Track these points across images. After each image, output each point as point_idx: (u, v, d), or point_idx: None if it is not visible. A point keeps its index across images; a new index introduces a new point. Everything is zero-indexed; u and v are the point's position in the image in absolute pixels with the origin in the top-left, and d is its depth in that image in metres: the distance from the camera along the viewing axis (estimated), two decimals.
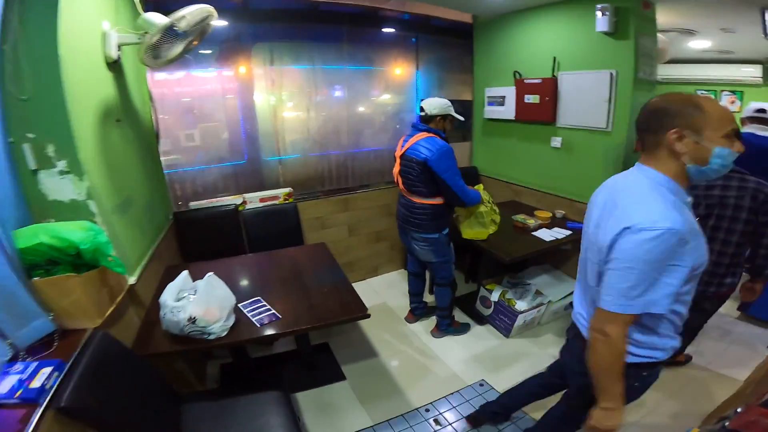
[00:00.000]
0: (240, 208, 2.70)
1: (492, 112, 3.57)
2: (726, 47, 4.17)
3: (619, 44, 2.52)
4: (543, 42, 3.01)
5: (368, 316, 1.75)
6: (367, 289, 3.46)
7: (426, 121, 2.29)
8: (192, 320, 1.48)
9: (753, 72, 4.74)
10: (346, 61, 3.23)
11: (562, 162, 3.03)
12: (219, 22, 2.67)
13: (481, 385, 2.34)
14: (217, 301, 1.58)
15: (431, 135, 2.22)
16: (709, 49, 4.29)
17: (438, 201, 2.29)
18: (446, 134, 2.31)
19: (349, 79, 3.28)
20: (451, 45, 3.74)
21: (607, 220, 1.02)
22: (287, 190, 2.91)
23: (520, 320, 2.66)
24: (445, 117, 2.30)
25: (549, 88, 2.95)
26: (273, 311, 1.76)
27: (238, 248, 2.62)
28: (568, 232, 2.67)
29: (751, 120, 2.62)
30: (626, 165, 2.62)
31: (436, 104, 2.27)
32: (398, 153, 2.35)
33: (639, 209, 0.95)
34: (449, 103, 2.30)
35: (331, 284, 2.02)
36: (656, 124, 0.97)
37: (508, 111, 3.37)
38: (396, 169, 2.37)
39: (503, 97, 3.43)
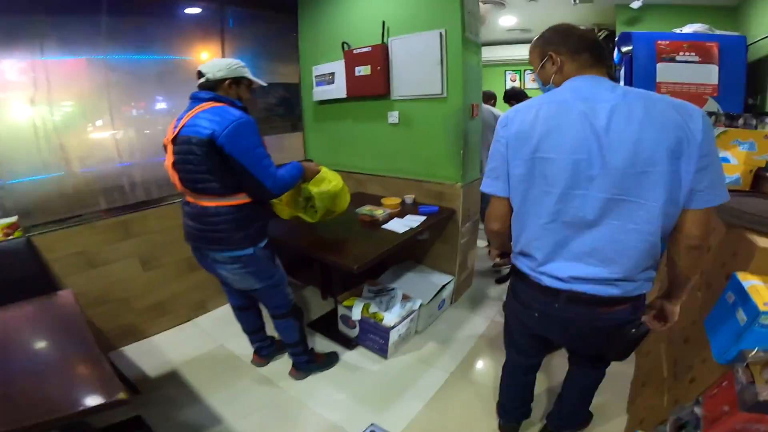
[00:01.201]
0: None
1: (322, 92, 3.02)
2: (527, 24, 4.49)
3: (445, 1, 2.26)
4: (371, 6, 2.61)
5: (124, 402, 0.96)
6: (195, 332, 2.57)
7: (209, 89, 1.56)
8: None
9: None
10: (107, 47, 2.20)
11: (403, 139, 2.65)
12: None
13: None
14: None
15: (220, 104, 1.50)
16: (515, 26, 4.58)
17: (242, 199, 1.57)
18: (244, 104, 1.61)
19: (119, 69, 2.28)
20: (274, 21, 3.07)
21: (667, 122, 0.88)
22: (9, 220, 1.82)
23: (394, 336, 2.17)
24: (237, 81, 1.59)
25: (379, 56, 2.54)
26: None
27: None
28: (423, 218, 2.27)
29: None
30: (467, 132, 2.36)
31: (221, 65, 1.55)
32: (169, 137, 1.54)
33: (678, 101, 0.91)
34: (240, 63, 1.60)
35: (59, 356, 1.15)
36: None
37: (338, 89, 2.86)
38: (168, 160, 1.55)
39: (332, 74, 2.91)
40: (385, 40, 2.55)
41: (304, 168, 1.76)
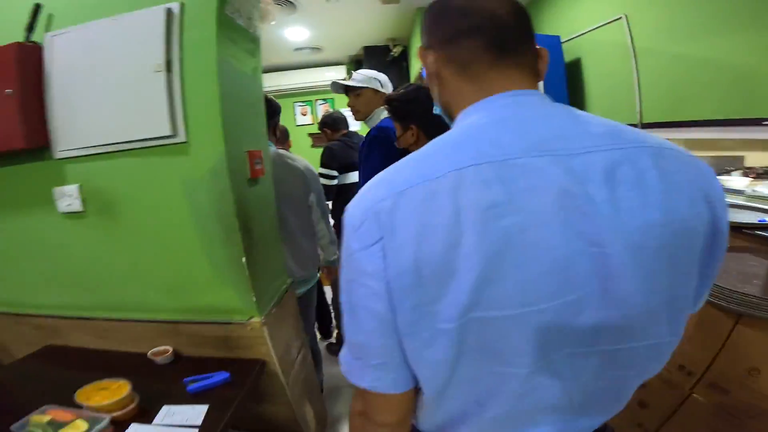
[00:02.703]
0: None
1: None
2: (319, 40, 3.63)
3: None
4: None
5: None
6: None
7: None
8: None
9: (336, 75, 4.57)
10: None
11: (103, 242, 1.20)
12: None
13: None
14: None
15: None
16: (305, 43, 3.66)
17: None
18: None
19: None
20: None
21: (669, 184, 0.43)
22: None
23: None
24: None
25: (12, 69, 1.09)
26: None
27: None
28: (200, 411, 0.88)
29: None
30: (249, 208, 1.11)
31: None
32: None
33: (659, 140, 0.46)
34: None
35: None
36: (529, 25, 0.51)
37: None
38: None
39: None
40: (36, 38, 1.13)
41: None
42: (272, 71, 4.49)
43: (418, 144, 1.18)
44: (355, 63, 4.52)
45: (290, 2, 2.56)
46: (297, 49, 3.82)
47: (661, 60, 1.84)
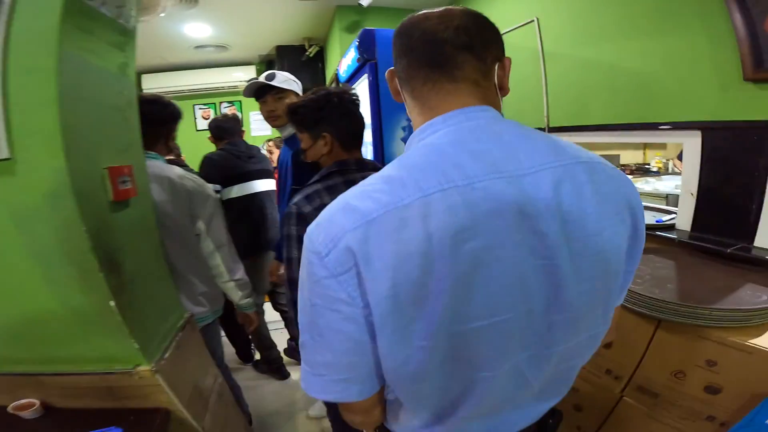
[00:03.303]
0: None
1: None
2: (224, 37, 3.30)
3: None
4: None
5: None
6: None
7: None
8: None
9: (244, 76, 4.26)
10: None
11: None
12: None
13: None
14: None
15: None
16: (208, 41, 3.31)
17: None
18: None
19: None
20: None
21: (597, 196, 0.50)
22: None
23: None
24: None
25: None
26: None
27: None
28: None
29: None
30: (119, 239, 0.86)
31: None
32: None
33: (589, 154, 0.54)
34: None
35: None
36: (486, 39, 0.53)
37: None
38: None
39: None
40: None
41: None
42: (169, 70, 4.04)
43: (331, 154, 1.08)
44: (267, 63, 4.24)
45: None
46: (198, 47, 3.44)
47: (568, 64, 1.89)
